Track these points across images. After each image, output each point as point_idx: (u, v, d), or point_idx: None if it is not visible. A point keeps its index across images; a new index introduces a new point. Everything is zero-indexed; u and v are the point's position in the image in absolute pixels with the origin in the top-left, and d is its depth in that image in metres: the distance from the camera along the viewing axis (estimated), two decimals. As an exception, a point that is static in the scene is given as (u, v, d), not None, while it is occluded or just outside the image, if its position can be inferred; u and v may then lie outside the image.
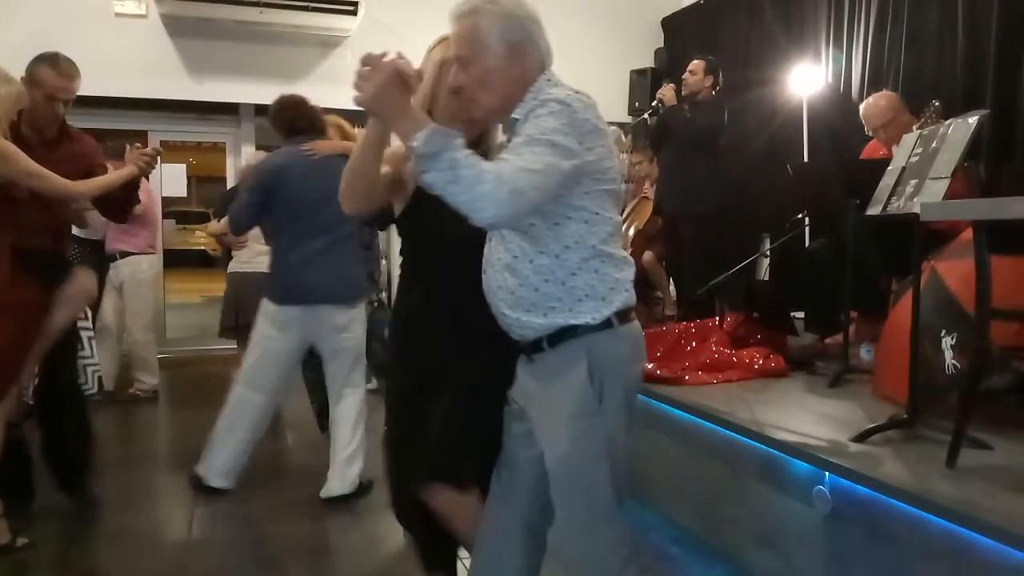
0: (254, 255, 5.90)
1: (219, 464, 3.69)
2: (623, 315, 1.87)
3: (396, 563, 3.11)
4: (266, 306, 3.68)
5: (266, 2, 6.68)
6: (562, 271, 1.83)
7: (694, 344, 4.12)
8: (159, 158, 3.47)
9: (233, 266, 6.01)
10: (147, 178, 3.64)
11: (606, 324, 1.84)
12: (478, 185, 1.61)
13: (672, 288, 6.07)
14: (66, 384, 3.48)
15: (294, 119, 3.72)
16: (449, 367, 2.12)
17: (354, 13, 6.93)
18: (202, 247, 17.12)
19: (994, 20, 4.60)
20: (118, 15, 6.77)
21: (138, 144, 3.36)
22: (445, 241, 2.06)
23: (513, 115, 1.85)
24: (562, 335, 1.85)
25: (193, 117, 7.60)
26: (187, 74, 6.95)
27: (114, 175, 3.29)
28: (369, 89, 1.66)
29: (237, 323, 5.97)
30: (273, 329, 3.65)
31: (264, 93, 7.01)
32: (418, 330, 2.21)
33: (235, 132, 7.86)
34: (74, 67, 3.27)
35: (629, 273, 1.91)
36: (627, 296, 1.89)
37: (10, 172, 2.95)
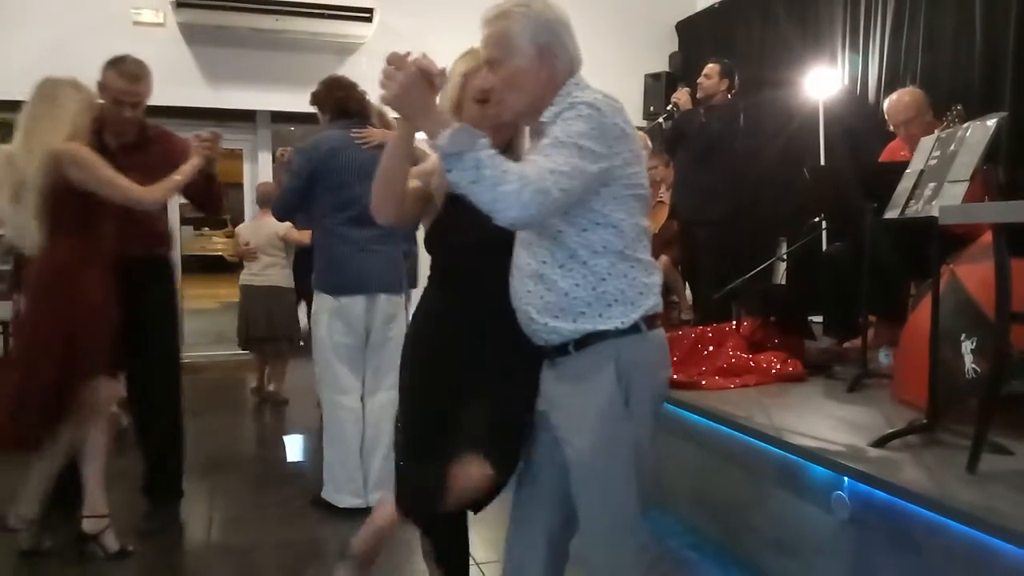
0: (263, 267, 5.92)
1: (342, 482, 3.59)
2: (651, 320, 1.87)
3: (417, 566, 3.12)
4: (323, 302, 3.56)
5: (283, 10, 6.74)
6: (592, 276, 1.82)
7: (711, 348, 4.10)
8: (217, 143, 3.35)
9: (243, 278, 6.03)
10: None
11: (634, 329, 1.84)
12: (501, 185, 1.61)
13: (688, 292, 6.05)
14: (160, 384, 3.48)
15: (345, 101, 3.63)
16: (484, 375, 2.08)
17: (369, 20, 6.97)
18: (219, 252, 17.22)
19: (1012, 21, 4.57)
20: (136, 24, 6.85)
21: (197, 133, 3.30)
22: (473, 251, 2.05)
23: (542, 118, 1.85)
24: (589, 339, 1.84)
25: (210, 124, 7.64)
26: (204, 82, 7.02)
27: (180, 171, 3.17)
28: (394, 88, 1.67)
29: (248, 335, 5.99)
30: (339, 323, 3.54)
31: (280, 100, 7.13)
32: (449, 340, 2.12)
33: (252, 139, 7.93)
34: (140, 69, 3.23)
35: (658, 278, 1.92)
36: (655, 301, 1.89)
37: (87, 179, 2.92)
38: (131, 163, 3.11)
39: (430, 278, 2.23)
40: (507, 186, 1.61)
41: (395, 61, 1.68)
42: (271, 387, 6.10)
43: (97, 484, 3.11)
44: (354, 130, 3.55)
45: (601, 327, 1.83)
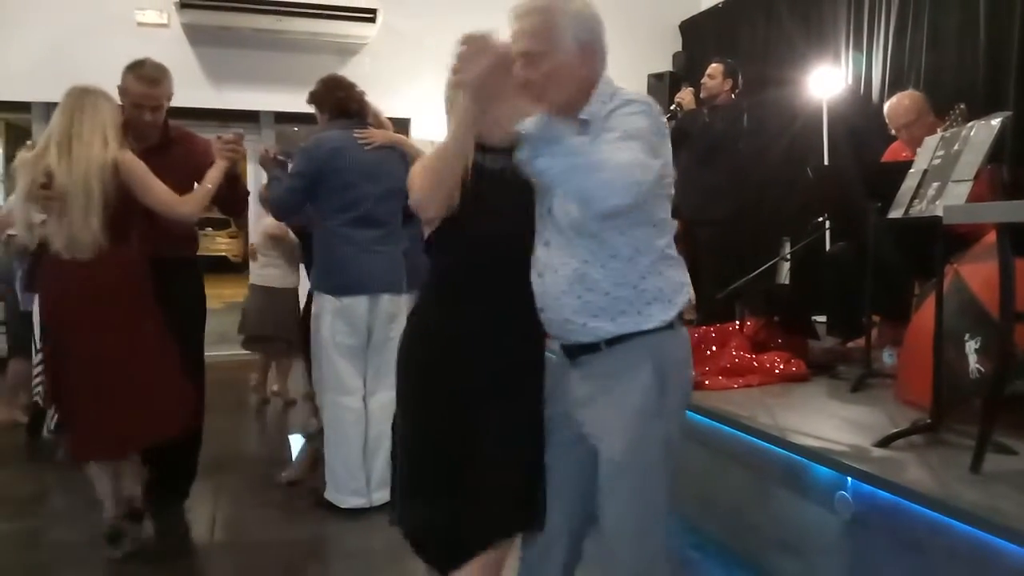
0: (260, 267, 5.89)
1: (344, 483, 3.58)
2: (680, 317, 1.90)
3: (420, 566, 3.12)
4: (326, 303, 3.55)
5: (286, 10, 6.74)
6: (633, 274, 1.82)
7: (714, 349, 4.10)
8: (240, 144, 3.33)
9: (250, 276, 6.07)
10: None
11: (670, 325, 1.86)
12: (600, 172, 1.61)
13: (691, 292, 6.04)
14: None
15: (346, 101, 3.61)
16: (504, 399, 1.97)
17: (372, 20, 6.97)
18: (223, 253, 17.24)
19: (1017, 20, 4.56)
20: (140, 24, 6.86)
21: (219, 135, 3.30)
22: (500, 252, 1.94)
23: (581, 116, 1.83)
24: (624, 336, 1.84)
25: (214, 124, 7.63)
26: (208, 82, 7.03)
27: (209, 179, 3.16)
28: (473, 71, 1.64)
29: (246, 334, 5.97)
30: (342, 323, 3.53)
31: (283, 101, 7.12)
32: (463, 365, 1.96)
33: (255, 139, 7.92)
34: (159, 73, 3.25)
35: (687, 275, 1.95)
36: (687, 298, 1.92)
37: (138, 188, 2.99)
38: (153, 165, 3.11)
39: (429, 288, 2.06)
40: (605, 174, 1.61)
41: (474, 43, 1.65)
42: (275, 387, 6.09)
43: None
44: (356, 131, 3.54)
45: (644, 326, 1.83)
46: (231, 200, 3.48)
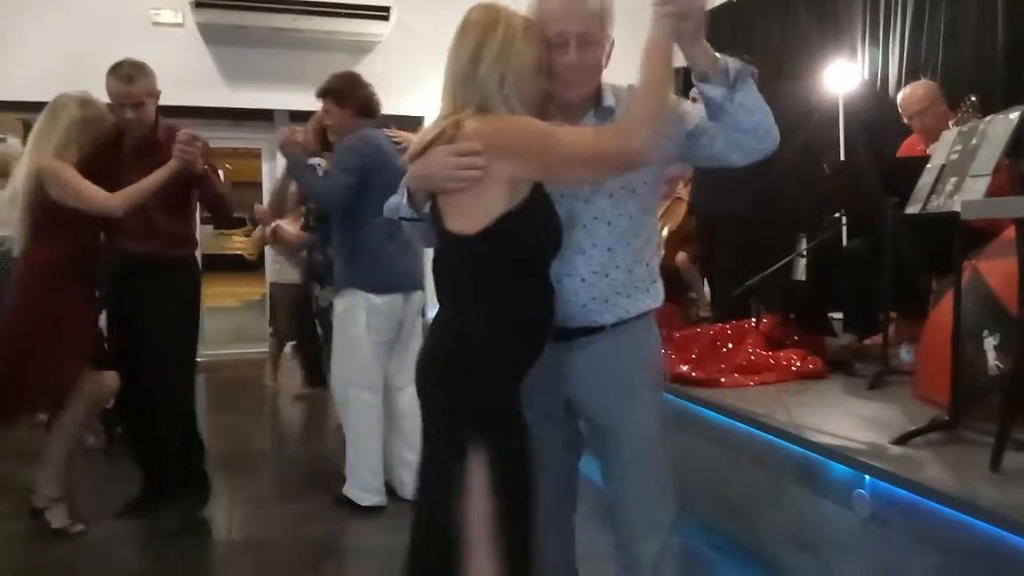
0: (271, 264, 6.10)
1: (368, 480, 3.58)
2: None
3: None
4: (361, 300, 3.53)
5: (300, 9, 6.76)
6: (647, 253, 1.95)
7: (730, 346, 4.08)
8: (201, 144, 3.29)
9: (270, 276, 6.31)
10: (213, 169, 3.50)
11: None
12: (769, 113, 1.80)
13: (707, 289, 6.02)
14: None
15: (371, 100, 3.64)
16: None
17: (386, 18, 6.98)
18: (238, 251, 17.30)
19: (1035, 13, 4.51)
20: (155, 24, 6.88)
21: (177, 133, 3.27)
22: (553, 248, 1.80)
23: (606, 102, 1.87)
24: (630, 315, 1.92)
25: (228, 124, 7.70)
26: (223, 81, 7.05)
27: (152, 177, 3.18)
28: (681, 6, 1.66)
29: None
30: (378, 320, 3.54)
31: (298, 99, 7.12)
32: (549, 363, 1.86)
33: (270, 138, 7.94)
34: (134, 70, 3.26)
35: None
36: None
37: (63, 194, 3.11)
38: (143, 165, 3.18)
39: (494, 302, 1.73)
40: (771, 119, 1.80)
41: None
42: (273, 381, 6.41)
43: (57, 464, 3.30)
44: (388, 132, 3.56)
45: (651, 304, 1.95)
46: (208, 200, 3.50)
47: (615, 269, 1.87)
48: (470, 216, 1.69)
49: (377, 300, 3.52)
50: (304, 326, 5.87)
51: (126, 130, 3.34)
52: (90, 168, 3.19)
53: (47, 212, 3.14)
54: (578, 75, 1.80)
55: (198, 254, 3.74)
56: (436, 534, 1.73)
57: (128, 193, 3.16)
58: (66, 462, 3.33)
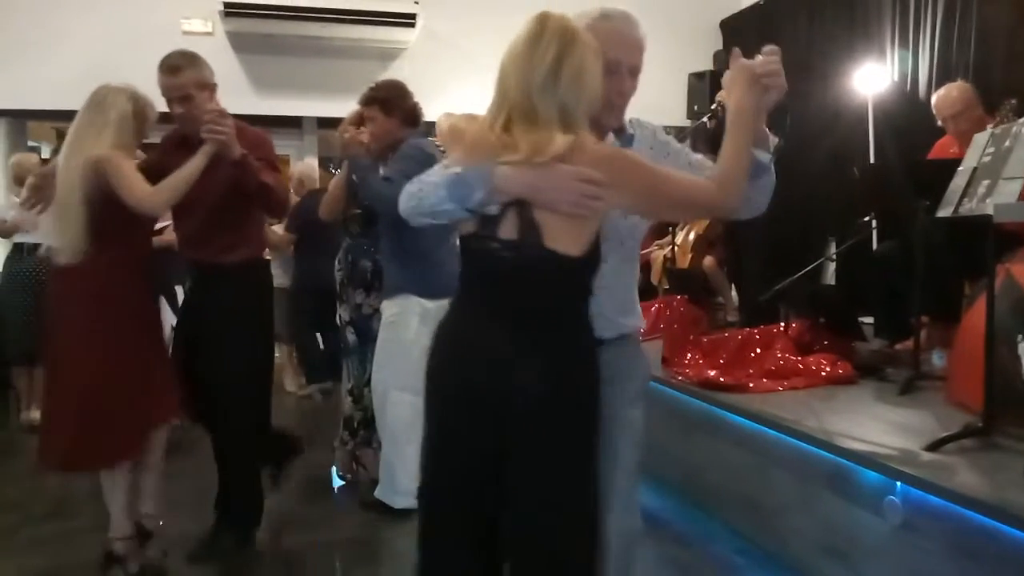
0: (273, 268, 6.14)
1: (403, 483, 3.47)
2: None
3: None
4: (414, 305, 3.52)
5: (328, 17, 6.82)
6: (634, 279, 2.11)
7: (758, 351, 4.05)
8: (232, 122, 2.94)
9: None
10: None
11: None
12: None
13: (734, 294, 5.99)
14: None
15: (416, 109, 3.66)
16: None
17: (412, 25, 7.02)
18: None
19: (1069, 12, 4.44)
20: (186, 33, 6.97)
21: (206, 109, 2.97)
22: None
23: (628, 131, 1.98)
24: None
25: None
26: (252, 89, 7.14)
27: (187, 165, 2.88)
28: (781, 82, 1.88)
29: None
30: (427, 326, 3.40)
31: (326, 107, 7.20)
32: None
33: (298, 145, 8.03)
34: (182, 60, 2.98)
35: None
36: None
37: (117, 186, 2.81)
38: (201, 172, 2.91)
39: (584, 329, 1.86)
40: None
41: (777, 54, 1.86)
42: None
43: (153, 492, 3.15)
44: (432, 139, 3.59)
45: (638, 324, 2.12)
46: (252, 191, 3.01)
47: (623, 292, 2.04)
48: (575, 239, 1.73)
49: (430, 305, 3.48)
50: (299, 328, 6.07)
51: (180, 127, 3.05)
52: (152, 171, 2.93)
53: (111, 207, 2.81)
54: (622, 102, 1.90)
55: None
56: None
57: (164, 188, 2.86)
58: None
